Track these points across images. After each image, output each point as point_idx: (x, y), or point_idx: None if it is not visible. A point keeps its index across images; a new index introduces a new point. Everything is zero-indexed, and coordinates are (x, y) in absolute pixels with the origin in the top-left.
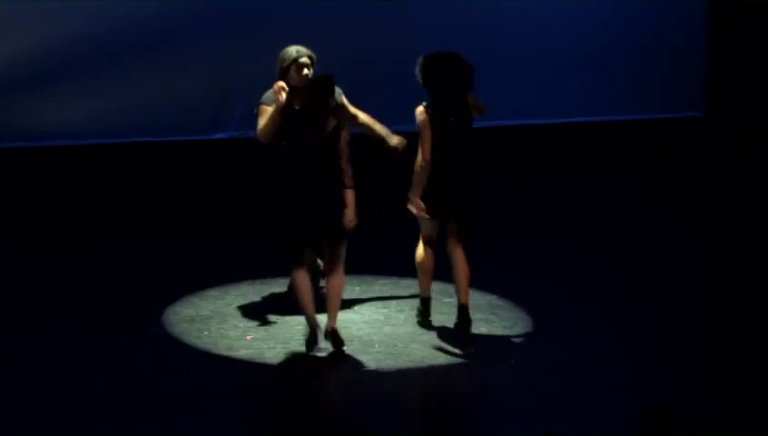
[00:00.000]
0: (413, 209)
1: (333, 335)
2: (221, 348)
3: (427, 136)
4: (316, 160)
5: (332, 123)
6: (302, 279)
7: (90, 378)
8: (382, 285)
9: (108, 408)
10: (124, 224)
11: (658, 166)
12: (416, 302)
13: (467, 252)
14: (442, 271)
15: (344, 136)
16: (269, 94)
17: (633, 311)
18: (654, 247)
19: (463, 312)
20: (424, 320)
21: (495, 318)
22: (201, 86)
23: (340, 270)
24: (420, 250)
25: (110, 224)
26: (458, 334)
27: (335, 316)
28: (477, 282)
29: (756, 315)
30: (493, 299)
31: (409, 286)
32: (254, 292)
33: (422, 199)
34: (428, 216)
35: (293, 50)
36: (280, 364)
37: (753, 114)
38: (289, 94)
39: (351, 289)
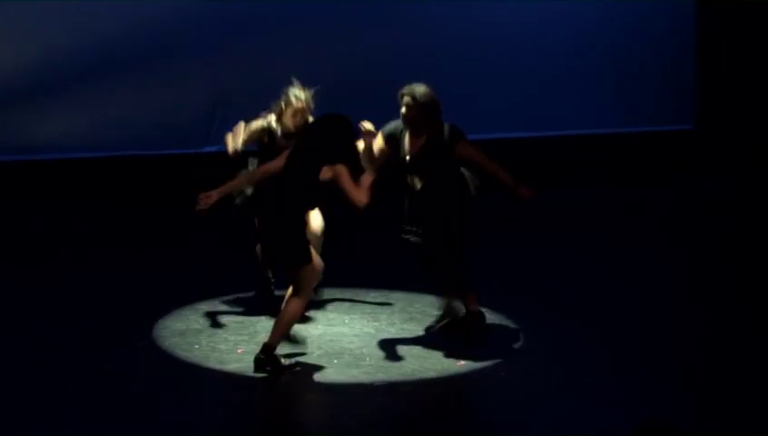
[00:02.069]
0: None
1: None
2: (212, 361)
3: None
4: None
5: None
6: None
7: (80, 391)
8: (373, 298)
9: (98, 422)
10: (115, 238)
11: (648, 179)
12: (407, 315)
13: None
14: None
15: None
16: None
17: (624, 324)
18: (644, 260)
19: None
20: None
21: (486, 331)
22: (191, 100)
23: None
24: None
25: (100, 238)
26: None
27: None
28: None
29: (747, 327)
30: (484, 312)
31: (400, 299)
32: (245, 305)
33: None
34: None
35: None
36: (271, 378)
37: (742, 127)
38: None
39: (342, 303)
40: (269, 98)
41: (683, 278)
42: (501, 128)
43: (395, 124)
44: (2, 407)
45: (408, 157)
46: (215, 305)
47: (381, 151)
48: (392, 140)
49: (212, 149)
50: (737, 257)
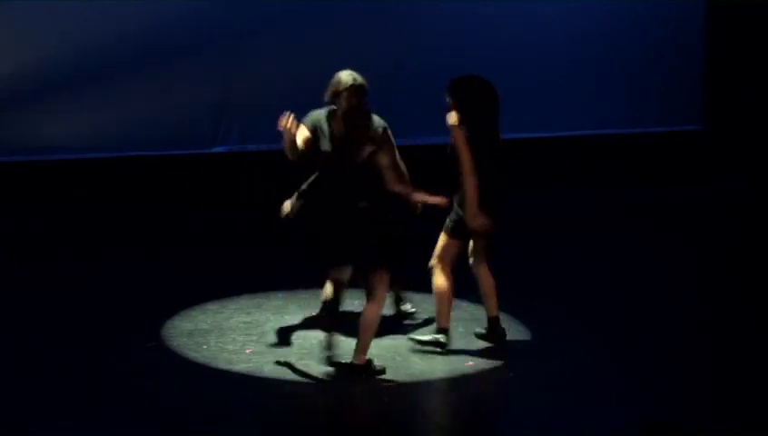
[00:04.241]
0: (478, 226)
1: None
2: (220, 362)
3: (467, 156)
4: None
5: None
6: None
7: (88, 391)
8: None
9: (105, 422)
10: (123, 238)
11: (656, 180)
12: (415, 317)
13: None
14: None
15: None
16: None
17: (632, 325)
18: (652, 261)
19: (495, 324)
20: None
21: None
22: (200, 100)
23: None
24: (443, 277)
25: (108, 238)
26: (496, 347)
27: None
28: (478, 296)
29: (749, 328)
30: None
31: (408, 301)
32: (253, 305)
33: (457, 221)
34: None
35: (349, 76)
36: (279, 378)
37: (750, 127)
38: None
39: (351, 302)
40: (276, 99)
41: (691, 279)
42: (507, 129)
43: (317, 114)
44: (6, 405)
45: (332, 147)
46: (224, 306)
47: (306, 140)
48: (316, 130)
49: (221, 149)
50: (747, 257)
